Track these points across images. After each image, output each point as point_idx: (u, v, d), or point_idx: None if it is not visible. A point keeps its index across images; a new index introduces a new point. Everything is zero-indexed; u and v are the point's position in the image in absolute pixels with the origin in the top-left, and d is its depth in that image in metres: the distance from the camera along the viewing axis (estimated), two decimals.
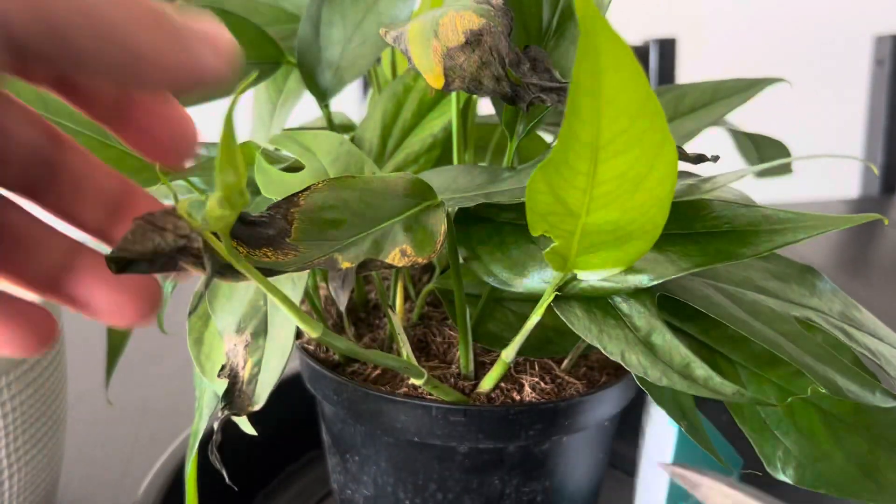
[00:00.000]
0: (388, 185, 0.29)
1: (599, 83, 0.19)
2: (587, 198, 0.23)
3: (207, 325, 0.35)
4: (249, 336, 0.31)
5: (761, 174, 0.49)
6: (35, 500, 0.43)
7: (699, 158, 0.28)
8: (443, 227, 0.28)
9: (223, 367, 0.30)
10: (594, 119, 0.20)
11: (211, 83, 0.18)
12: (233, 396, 0.29)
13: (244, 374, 0.30)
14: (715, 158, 0.28)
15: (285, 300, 0.26)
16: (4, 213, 0.21)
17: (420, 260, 0.27)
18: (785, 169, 0.49)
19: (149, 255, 0.20)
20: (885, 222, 0.24)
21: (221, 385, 0.30)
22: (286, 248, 0.24)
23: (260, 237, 0.24)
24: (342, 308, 0.28)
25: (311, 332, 0.27)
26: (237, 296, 0.32)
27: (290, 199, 0.26)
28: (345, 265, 0.25)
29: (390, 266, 0.26)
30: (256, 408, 0.29)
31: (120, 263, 0.20)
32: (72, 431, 0.49)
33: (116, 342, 0.47)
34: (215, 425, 0.29)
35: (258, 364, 0.30)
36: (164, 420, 0.58)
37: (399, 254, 0.27)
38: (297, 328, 0.29)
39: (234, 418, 0.31)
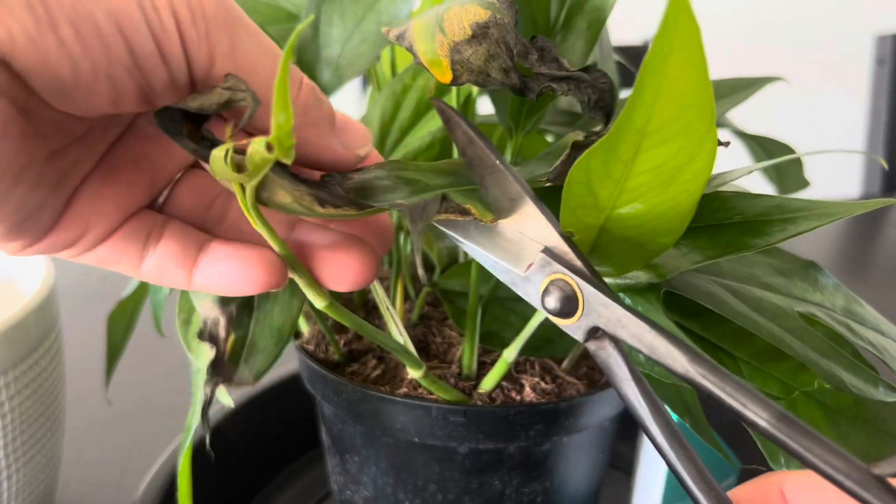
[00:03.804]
0: (438, 166, 0.29)
1: (666, 64, 0.18)
2: (618, 189, 0.23)
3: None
4: (234, 309, 0.30)
5: (783, 188, 0.49)
6: (34, 500, 0.43)
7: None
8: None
9: (202, 331, 0.29)
10: (652, 101, 0.20)
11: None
12: (217, 365, 0.29)
13: (227, 346, 0.29)
14: (725, 144, 0.27)
15: (292, 259, 0.26)
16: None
17: (486, 221, 0.26)
18: (802, 182, 0.49)
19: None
20: None
21: (204, 352, 0.29)
22: (348, 205, 0.25)
23: (327, 197, 0.24)
24: (418, 250, 0.27)
25: (318, 301, 0.27)
26: None
27: (344, 174, 0.26)
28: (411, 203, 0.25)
29: (464, 211, 0.26)
30: (246, 384, 0.29)
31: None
32: (70, 432, 0.49)
33: (116, 342, 0.47)
34: (206, 391, 0.29)
35: (242, 340, 0.29)
36: (163, 420, 0.58)
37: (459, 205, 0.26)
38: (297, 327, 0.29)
39: (216, 394, 0.30)
